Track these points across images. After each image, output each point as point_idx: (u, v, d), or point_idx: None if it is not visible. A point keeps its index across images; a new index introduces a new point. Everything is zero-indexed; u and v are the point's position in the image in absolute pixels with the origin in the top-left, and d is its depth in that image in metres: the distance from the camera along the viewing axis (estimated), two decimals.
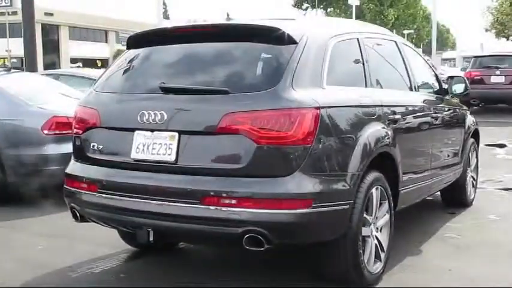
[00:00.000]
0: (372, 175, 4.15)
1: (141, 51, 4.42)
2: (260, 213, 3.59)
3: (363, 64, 4.57)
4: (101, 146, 4.16)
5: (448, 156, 5.99)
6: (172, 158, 3.82)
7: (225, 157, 3.73)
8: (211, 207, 3.66)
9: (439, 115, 5.61)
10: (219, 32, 4.19)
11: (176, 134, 3.83)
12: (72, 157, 4.47)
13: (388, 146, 4.39)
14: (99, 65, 42.28)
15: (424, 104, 5.43)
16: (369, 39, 4.85)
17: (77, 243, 5.44)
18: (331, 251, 4.03)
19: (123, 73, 4.42)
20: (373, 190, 4.20)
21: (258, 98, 3.69)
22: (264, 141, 3.62)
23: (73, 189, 4.29)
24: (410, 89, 5.35)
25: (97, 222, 4.28)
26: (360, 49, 4.60)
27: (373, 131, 4.19)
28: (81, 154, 4.32)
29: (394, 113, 4.62)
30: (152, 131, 3.92)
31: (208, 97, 3.84)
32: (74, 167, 4.38)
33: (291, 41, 3.91)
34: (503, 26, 24.75)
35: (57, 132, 6.74)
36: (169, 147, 3.85)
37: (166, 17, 77.17)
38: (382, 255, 4.40)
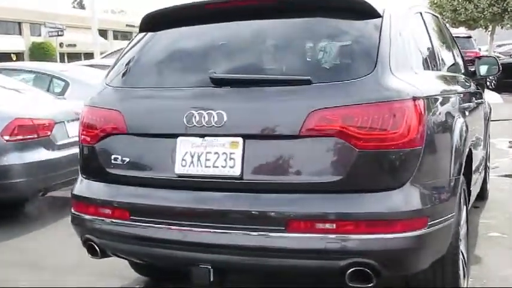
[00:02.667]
0: (461, 178, 3.40)
1: (166, 34, 3.43)
2: (368, 240, 2.74)
3: (431, 42, 3.80)
4: (128, 159, 3.17)
5: (483, 146, 5.35)
6: (237, 171, 2.90)
7: (314, 168, 2.84)
8: (300, 235, 2.78)
9: (478, 102, 4.93)
10: (280, 5, 3.24)
11: (240, 139, 2.91)
12: (80, 173, 3.44)
13: (471, 142, 3.65)
14: (14, 59, 39.49)
15: (475, 90, 4.73)
16: (426, 13, 4.08)
17: (68, 274, 4.39)
18: (424, 277, 3.22)
19: (148, 62, 3.41)
20: (462, 195, 3.45)
21: (352, 88, 2.83)
22: (367, 144, 2.77)
23: (88, 216, 3.27)
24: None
25: (126, 259, 3.29)
26: (425, 24, 3.83)
27: (460, 126, 3.45)
28: (95, 170, 3.30)
29: (463, 101, 3.88)
30: (203, 136, 2.98)
31: (285, 89, 2.93)
32: (86, 187, 3.36)
33: (375, 14, 3.06)
34: (440, 8, 24.84)
35: (21, 138, 5.58)
36: (230, 157, 2.93)
37: (81, 6, 73.73)
38: (465, 270, 3.66)
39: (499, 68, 5.44)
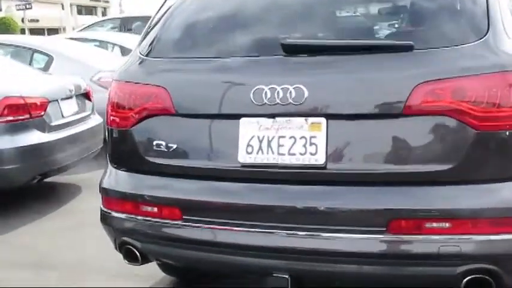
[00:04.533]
0: None
1: None
2: (491, 242, 2.23)
3: None
4: (174, 145, 2.59)
5: None
6: (320, 159, 2.35)
7: (420, 154, 2.30)
8: (404, 237, 2.26)
9: None
10: None
11: (323, 120, 2.36)
12: (110, 163, 2.85)
13: None
14: None
15: None
16: None
17: (81, 274, 3.82)
18: None
19: (198, 25, 2.80)
20: None
21: (464, 56, 2.30)
22: (486, 124, 2.24)
23: (125, 215, 2.69)
24: None
25: (178, 267, 2.74)
26: None
27: None
28: (130, 158, 2.72)
29: None
30: (273, 117, 2.42)
31: (381, 58, 2.37)
32: (120, 179, 2.77)
33: None
34: None
35: (11, 118, 4.92)
36: (310, 142, 2.37)
37: None
38: None
39: None
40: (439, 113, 2.25)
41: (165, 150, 2.60)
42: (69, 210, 5.27)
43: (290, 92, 2.36)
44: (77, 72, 6.54)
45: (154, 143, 2.63)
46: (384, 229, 2.26)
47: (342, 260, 2.33)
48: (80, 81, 6.09)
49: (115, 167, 2.81)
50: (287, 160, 2.39)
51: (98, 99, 6.10)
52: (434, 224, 2.23)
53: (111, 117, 2.79)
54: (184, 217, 2.53)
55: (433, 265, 2.25)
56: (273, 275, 2.42)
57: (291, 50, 2.43)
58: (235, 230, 2.44)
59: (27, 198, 5.46)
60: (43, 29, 43.86)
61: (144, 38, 2.84)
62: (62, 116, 5.50)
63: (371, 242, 2.28)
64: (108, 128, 2.84)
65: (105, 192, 2.81)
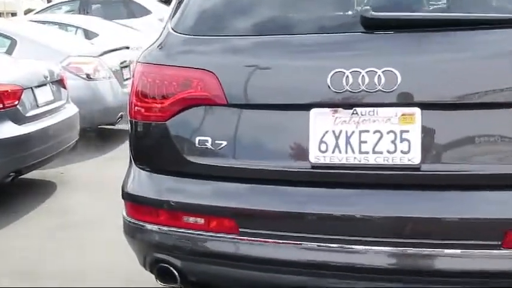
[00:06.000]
0: None
1: None
2: None
3: None
4: (224, 143, 2.12)
5: None
6: (414, 158, 1.93)
7: None
8: None
9: None
10: None
11: (417, 110, 1.94)
12: (136, 164, 2.36)
13: None
14: None
15: None
16: None
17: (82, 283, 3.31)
18: None
19: None
20: None
21: None
22: None
23: (160, 227, 2.21)
24: None
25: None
26: None
27: None
28: (166, 158, 2.23)
29: None
30: (353, 106, 1.98)
31: (492, 34, 1.96)
32: (153, 183, 2.28)
33: None
34: None
35: None
36: (401, 137, 1.95)
37: None
38: None
39: None
40: None
41: (212, 148, 2.13)
42: (47, 209, 4.71)
43: (379, 77, 1.92)
44: (44, 57, 5.93)
45: (198, 139, 2.15)
46: (497, 243, 1.86)
47: (445, 280, 1.92)
48: (53, 67, 5.50)
49: (143, 168, 2.32)
50: (371, 160, 1.97)
51: (68, 86, 5.58)
52: None
53: (137, 108, 2.30)
54: (241, 230, 2.07)
55: None
56: None
57: (374, 25, 2.00)
58: (307, 247, 2.00)
59: (1, 198, 4.86)
60: None
61: (177, 11, 2.34)
62: (37, 105, 4.92)
63: (482, 260, 1.88)
64: (132, 122, 2.34)
65: (131, 198, 2.32)
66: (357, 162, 1.98)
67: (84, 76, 6.50)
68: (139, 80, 2.29)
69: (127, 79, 7.02)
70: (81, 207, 4.59)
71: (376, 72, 1.93)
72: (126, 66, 7.14)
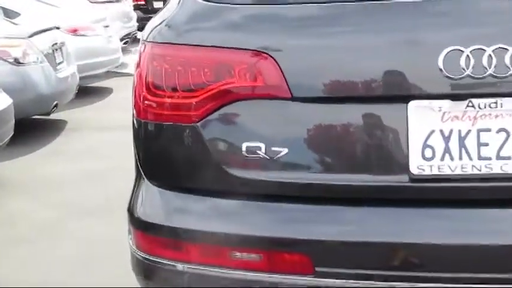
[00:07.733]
0: None
1: None
2: None
3: None
4: (285, 150, 1.55)
5: None
6: None
7: None
8: None
9: None
10: None
11: None
12: (150, 179, 1.74)
13: None
14: None
15: None
16: None
17: None
18: None
19: None
20: None
21: None
22: None
23: (195, 266, 1.62)
24: None
25: None
26: None
27: None
28: (198, 173, 1.63)
29: None
30: (468, 97, 1.46)
31: None
32: (179, 207, 1.68)
33: None
34: None
35: None
36: None
37: None
38: None
39: None
40: None
41: (268, 157, 1.56)
42: None
43: (511, 57, 1.41)
44: None
45: (245, 146, 1.57)
46: None
47: None
48: None
49: (160, 186, 1.71)
50: (496, 168, 1.46)
51: None
52: None
53: (148, 104, 1.68)
54: (317, 270, 1.51)
55: None
56: None
57: None
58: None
59: None
60: None
61: None
62: None
63: None
64: (140, 123, 1.72)
65: (145, 227, 1.71)
66: (476, 171, 1.47)
67: (12, 60, 5.68)
68: (151, 66, 1.67)
69: (60, 63, 6.27)
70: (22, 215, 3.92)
71: (508, 50, 1.41)
72: (58, 49, 6.34)
